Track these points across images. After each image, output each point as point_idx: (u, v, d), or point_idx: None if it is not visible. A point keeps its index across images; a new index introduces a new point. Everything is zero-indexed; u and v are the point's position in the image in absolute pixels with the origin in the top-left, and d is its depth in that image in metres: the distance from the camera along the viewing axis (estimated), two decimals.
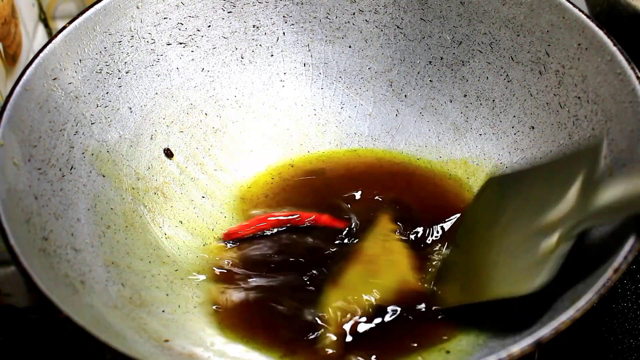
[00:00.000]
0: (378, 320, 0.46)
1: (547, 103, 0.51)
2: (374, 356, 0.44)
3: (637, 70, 0.45)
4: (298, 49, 0.59)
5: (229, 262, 0.51)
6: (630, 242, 0.38)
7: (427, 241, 0.51)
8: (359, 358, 0.44)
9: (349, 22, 0.58)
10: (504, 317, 0.43)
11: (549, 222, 0.41)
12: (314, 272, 0.49)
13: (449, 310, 0.46)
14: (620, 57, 0.46)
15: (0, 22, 0.56)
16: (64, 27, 0.50)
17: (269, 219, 0.53)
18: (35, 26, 0.67)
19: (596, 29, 0.48)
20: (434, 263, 0.49)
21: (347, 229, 0.52)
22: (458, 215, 0.52)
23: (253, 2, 0.57)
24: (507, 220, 0.45)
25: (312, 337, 0.46)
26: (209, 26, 0.57)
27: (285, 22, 0.58)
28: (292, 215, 0.53)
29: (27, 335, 0.56)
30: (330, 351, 0.45)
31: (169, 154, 0.55)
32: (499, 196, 0.48)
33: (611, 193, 0.38)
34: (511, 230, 0.45)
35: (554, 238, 0.40)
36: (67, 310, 0.37)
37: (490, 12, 0.53)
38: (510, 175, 0.50)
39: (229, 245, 0.52)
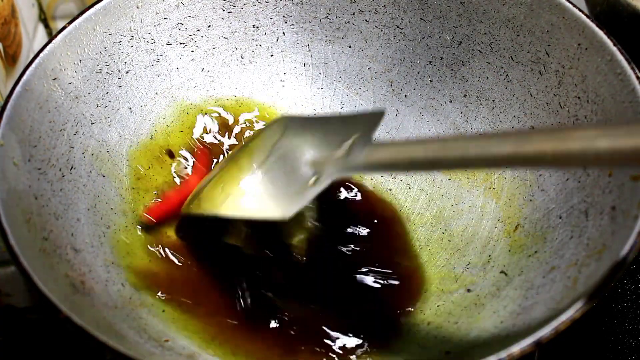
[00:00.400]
0: None
1: (547, 103, 0.51)
2: None
3: (637, 70, 0.45)
4: (298, 49, 0.59)
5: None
6: (630, 242, 0.39)
7: None
8: None
9: (349, 22, 0.58)
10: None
11: (315, 161, 0.46)
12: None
13: None
14: (620, 57, 0.46)
15: (0, 22, 0.56)
16: (64, 27, 0.50)
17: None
18: (35, 26, 0.67)
19: (596, 29, 0.48)
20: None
21: None
22: None
23: (253, 2, 0.57)
24: (281, 152, 0.50)
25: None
26: (209, 26, 0.57)
27: (285, 22, 0.58)
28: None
29: (27, 335, 0.56)
30: None
31: (170, 154, 0.55)
32: (283, 132, 0.52)
33: (369, 153, 0.43)
34: (280, 161, 0.49)
35: (315, 177, 0.45)
36: (67, 310, 0.37)
37: (490, 12, 0.53)
38: (299, 118, 0.55)
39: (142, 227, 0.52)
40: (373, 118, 0.48)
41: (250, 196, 0.48)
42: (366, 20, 0.58)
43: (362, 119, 0.49)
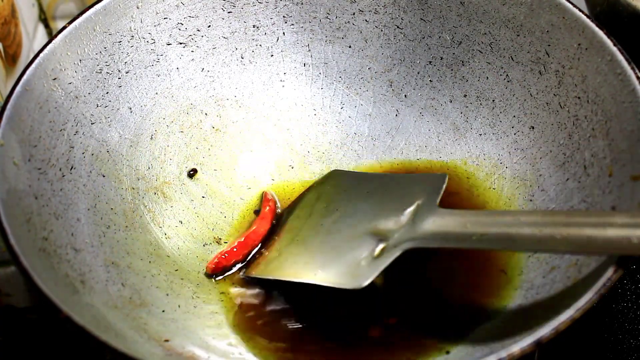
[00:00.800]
0: None
1: (547, 103, 0.51)
2: None
3: (637, 70, 0.45)
4: (298, 49, 0.59)
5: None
6: None
7: None
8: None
9: (349, 22, 0.58)
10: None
11: (380, 230, 0.44)
12: None
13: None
14: (620, 57, 0.46)
15: (0, 22, 0.56)
16: (64, 27, 0.50)
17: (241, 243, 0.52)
18: (35, 26, 0.67)
19: (596, 29, 0.48)
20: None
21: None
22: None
23: (253, 2, 0.57)
24: (341, 214, 0.49)
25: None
26: (209, 26, 0.57)
27: (285, 22, 0.58)
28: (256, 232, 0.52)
29: (27, 335, 0.56)
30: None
31: (191, 174, 0.55)
32: (339, 190, 0.51)
33: (436, 223, 0.42)
34: (342, 224, 0.47)
35: (381, 246, 0.44)
36: (67, 310, 0.37)
37: (490, 12, 0.53)
38: (355, 174, 0.54)
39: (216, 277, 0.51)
40: (435, 182, 0.47)
41: (317, 262, 0.47)
42: (366, 20, 0.58)
43: (423, 183, 0.47)
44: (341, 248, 0.46)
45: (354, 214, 0.48)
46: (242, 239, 0.52)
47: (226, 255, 0.51)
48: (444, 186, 0.47)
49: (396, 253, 0.43)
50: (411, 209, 0.44)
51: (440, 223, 0.42)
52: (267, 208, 0.54)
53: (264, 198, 0.55)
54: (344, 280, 0.44)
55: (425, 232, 0.42)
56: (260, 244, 0.52)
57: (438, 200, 0.45)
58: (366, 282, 0.43)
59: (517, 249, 0.45)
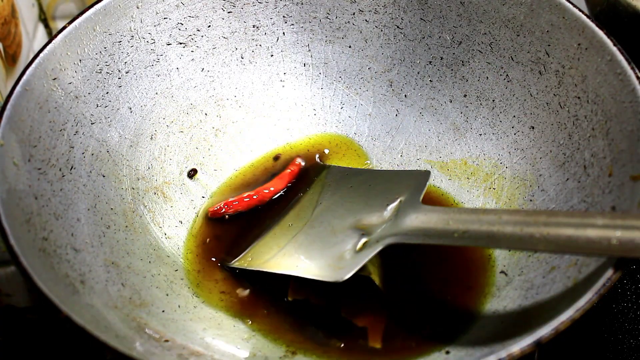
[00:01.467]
0: None
1: (547, 103, 0.51)
2: None
3: (637, 70, 0.45)
4: (298, 49, 0.59)
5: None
6: None
7: None
8: None
9: (349, 22, 0.58)
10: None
11: (363, 224, 0.44)
12: None
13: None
14: (620, 57, 0.46)
15: (0, 22, 0.56)
16: (64, 27, 0.50)
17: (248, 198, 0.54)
18: (35, 26, 0.67)
19: (596, 29, 0.48)
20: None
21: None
22: None
23: (253, 2, 0.57)
24: (325, 208, 0.49)
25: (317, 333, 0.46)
26: (209, 26, 0.57)
27: (285, 22, 0.58)
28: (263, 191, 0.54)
29: (27, 335, 0.56)
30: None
31: (191, 174, 0.55)
32: (323, 183, 0.52)
33: (419, 219, 0.42)
34: (325, 218, 0.48)
35: (363, 240, 0.44)
36: (67, 310, 0.37)
37: (490, 12, 0.53)
38: (339, 168, 0.54)
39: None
40: (419, 178, 0.47)
41: (299, 255, 0.47)
42: (366, 20, 0.58)
43: (407, 179, 0.48)
44: (324, 241, 0.47)
45: (338, 208, 0.49)
46: (253, 192, 0.53)
47: (235, 203, 0.53)
48: (427, 182, 0.47)
49: (378, 247, 0.43)
50: (394, 204, 0.45)
51: (423, 219, 0.42)
52: (289, 170, 0.55)
53: (292, 162, 0.56)
54: (325, 273, 0.44)
55: (407, 228, 0.43)
56: (266, 203, 0.53)
57: (421, 197, 0.45)
58: (347, 276, 0.43)
59: (498, 247, 0.46)
